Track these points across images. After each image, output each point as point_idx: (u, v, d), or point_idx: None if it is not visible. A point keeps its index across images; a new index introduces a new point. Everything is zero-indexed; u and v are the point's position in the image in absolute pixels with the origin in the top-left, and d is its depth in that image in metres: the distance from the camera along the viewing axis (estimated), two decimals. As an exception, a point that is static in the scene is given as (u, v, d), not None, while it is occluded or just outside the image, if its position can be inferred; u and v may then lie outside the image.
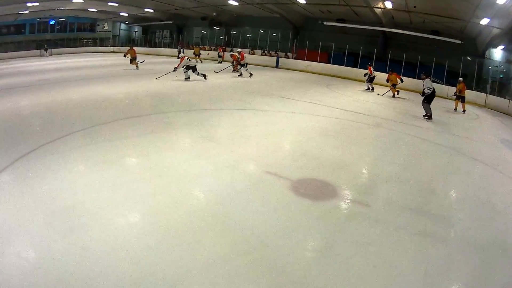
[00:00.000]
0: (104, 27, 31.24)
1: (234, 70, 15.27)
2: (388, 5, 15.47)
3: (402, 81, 12.56)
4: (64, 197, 3.12)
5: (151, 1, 24.10)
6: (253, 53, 23.39)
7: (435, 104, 8.92)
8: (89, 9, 26.58)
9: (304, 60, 19.86)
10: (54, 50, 27.15)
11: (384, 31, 18.44)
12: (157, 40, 31.12)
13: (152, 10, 26.74)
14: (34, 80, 10.69)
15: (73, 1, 22.93)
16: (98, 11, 27.17)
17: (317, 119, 7.36)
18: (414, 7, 15.11)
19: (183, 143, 5.19)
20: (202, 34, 28.90)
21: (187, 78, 11.50)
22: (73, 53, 28.30)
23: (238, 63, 14.35)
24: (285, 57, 21.44)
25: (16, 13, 23.82)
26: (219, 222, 2.92)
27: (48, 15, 26.02)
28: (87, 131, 5.26)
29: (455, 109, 10.92)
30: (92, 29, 30.77)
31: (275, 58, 21.37)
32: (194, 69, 11.51)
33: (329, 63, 19.05)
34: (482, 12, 12.60)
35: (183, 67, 11.34)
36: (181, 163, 4.22)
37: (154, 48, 29.05)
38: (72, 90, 8.78)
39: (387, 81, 12.74)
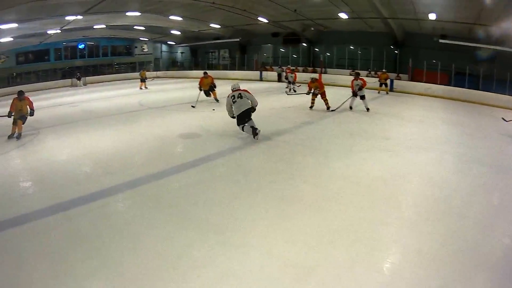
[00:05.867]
0: (143, 49, 24.45)
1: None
2: None
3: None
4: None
5: (219, 15, 18.27)
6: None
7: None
8: (135, 27, 19.91)
9: (422, 82, 16.07)
10: (88, 79, 20.11)
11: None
12: (212, 62, 24.87)
13: (218, 26, 20.71)
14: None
15: (127, 14, 16.45)
16: (146, 28, 20.55)
17: None
18: None
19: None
20: (279, 52, 23.15)
21: None
22: (111, 80, 21.32)
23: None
24: (396, 78, 16.80)
25: (44, 33, 16.77)
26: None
27: (80, 36, 19.05)
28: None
29: None
30: (128, 52, 23.84)
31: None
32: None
33: (450, 85, 15.26)
34: None
35: None
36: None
37: (217, 71, 22.71)
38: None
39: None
